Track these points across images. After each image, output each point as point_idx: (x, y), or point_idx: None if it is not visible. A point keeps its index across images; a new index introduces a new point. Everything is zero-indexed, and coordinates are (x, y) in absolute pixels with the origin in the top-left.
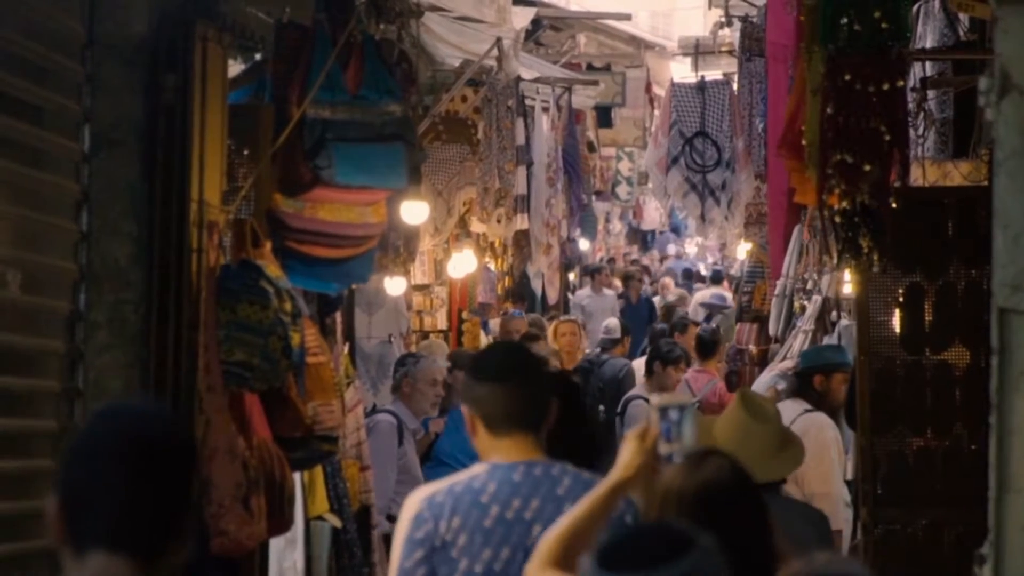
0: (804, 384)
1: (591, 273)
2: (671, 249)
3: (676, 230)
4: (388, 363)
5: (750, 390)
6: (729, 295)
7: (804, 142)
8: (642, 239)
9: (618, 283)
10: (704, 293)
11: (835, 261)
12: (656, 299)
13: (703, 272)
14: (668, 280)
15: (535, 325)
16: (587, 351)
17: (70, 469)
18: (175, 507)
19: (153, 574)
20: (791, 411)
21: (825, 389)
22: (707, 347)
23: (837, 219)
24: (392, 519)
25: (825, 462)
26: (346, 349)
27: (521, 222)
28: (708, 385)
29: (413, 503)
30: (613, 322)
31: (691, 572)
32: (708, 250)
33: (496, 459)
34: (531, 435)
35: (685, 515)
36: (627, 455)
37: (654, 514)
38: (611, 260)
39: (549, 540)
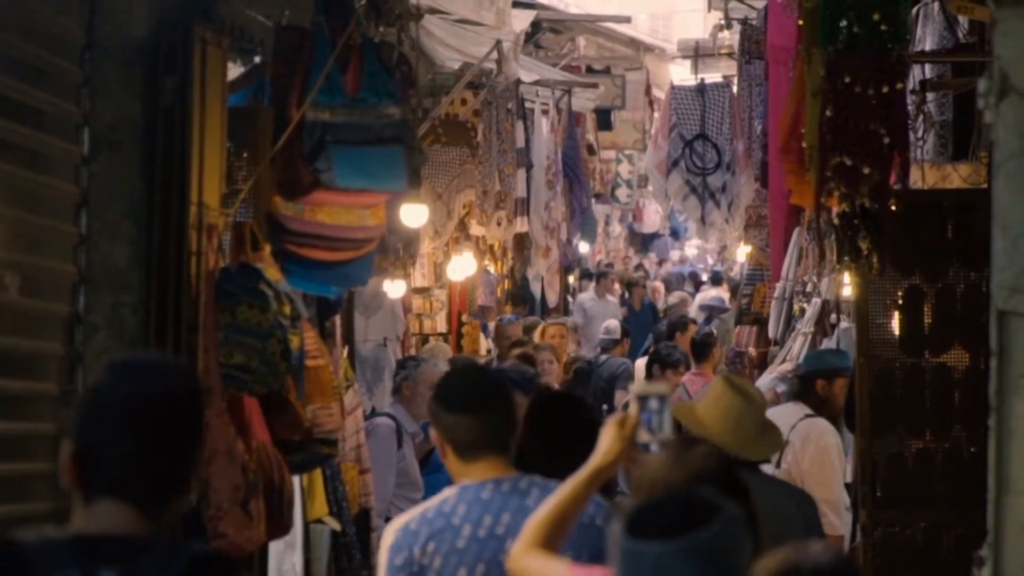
0: (806, 388)
1: (596, 277)
2: (674, 254)
3: (675, 233)
4: (383, 366)
5: (731, 374)
6: (727, 297)
7: (804, 145)
8: (641, 242)
9: (618, 288)
10: (704, 295)
11: (834, 264)
12: (659, 304)
13: (703, 277)
14: (658, 284)
15: (532, 329)
16: (583, 353)
17: (83, 419)
18: (179, 459)
19: (156, 521)
20: (792, 415)
21: (827, 394)
22: (700, 349)
23: (836, 222)
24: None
25: (826, 468)
26: (345, 352)
27: (521, 225)
28: (704, 388)
29: (389, 533)
30: (613, 323)
31: (716, 538)
32: (708, 252)
33: (466, 481)
34: (500, 456)
35: None
36: (606, 442)
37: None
38: (610, 264)
39: (532, 524)
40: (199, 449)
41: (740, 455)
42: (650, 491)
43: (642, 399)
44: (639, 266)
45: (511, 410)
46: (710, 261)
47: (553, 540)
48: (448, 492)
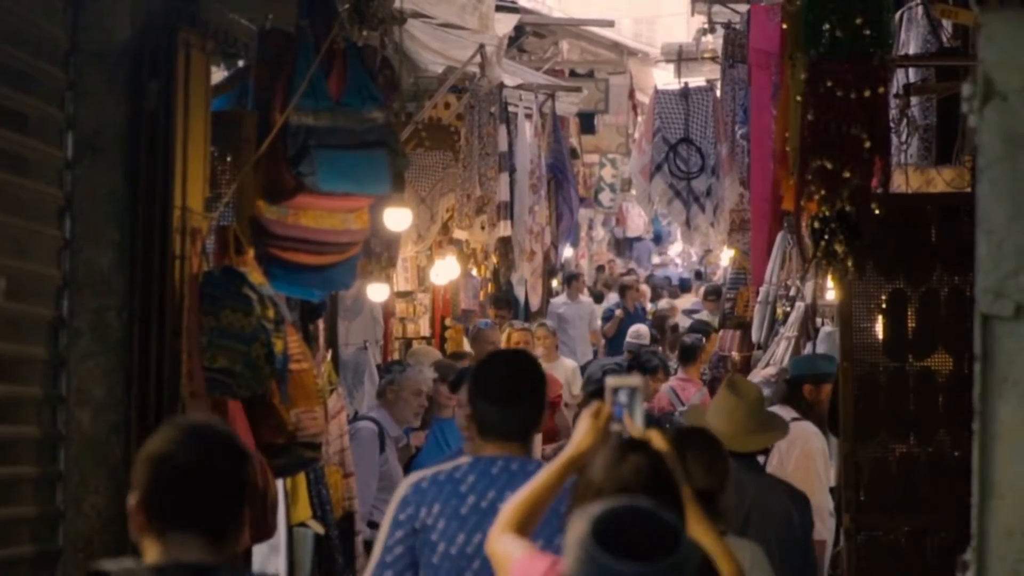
0: (793, 392)
1: (567, 280)
2: (655, 259)
3: (658, 237)
4: (363, 370)
5: (739, 376)
6: (698, 300)
7: (788, 148)
8: (624, 246)
9: (610, 293)
10: (684, 301)
11: (811, 267)
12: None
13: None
14: (644, 288)
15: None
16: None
17: (150, 470)
18: (234, 500)
19: (222, 550)
20: None
21: (814, 399)
22: (688, 354)
23: (816, 225)
24: (374, 526)
25: (811, 472)
26: (329, 356)
27: (504, 229)
28: (697, 395)
29: (403, 486)
30: (643, 328)
31: (684, 563)
32: (680, 257)
33: (481, 454)
34: (518, 441)
35: None
36: (581, 432)
37: (578, 504)
38: (600, 268)
39: (509, 507)
40: (248, 494)
41: (730, 447)
42: (582, 493)
43: (614, 391)
44: (631, 270)
45: (541, 404)
46: (694, 257)
47: (526, 524)
48: (463, 460)
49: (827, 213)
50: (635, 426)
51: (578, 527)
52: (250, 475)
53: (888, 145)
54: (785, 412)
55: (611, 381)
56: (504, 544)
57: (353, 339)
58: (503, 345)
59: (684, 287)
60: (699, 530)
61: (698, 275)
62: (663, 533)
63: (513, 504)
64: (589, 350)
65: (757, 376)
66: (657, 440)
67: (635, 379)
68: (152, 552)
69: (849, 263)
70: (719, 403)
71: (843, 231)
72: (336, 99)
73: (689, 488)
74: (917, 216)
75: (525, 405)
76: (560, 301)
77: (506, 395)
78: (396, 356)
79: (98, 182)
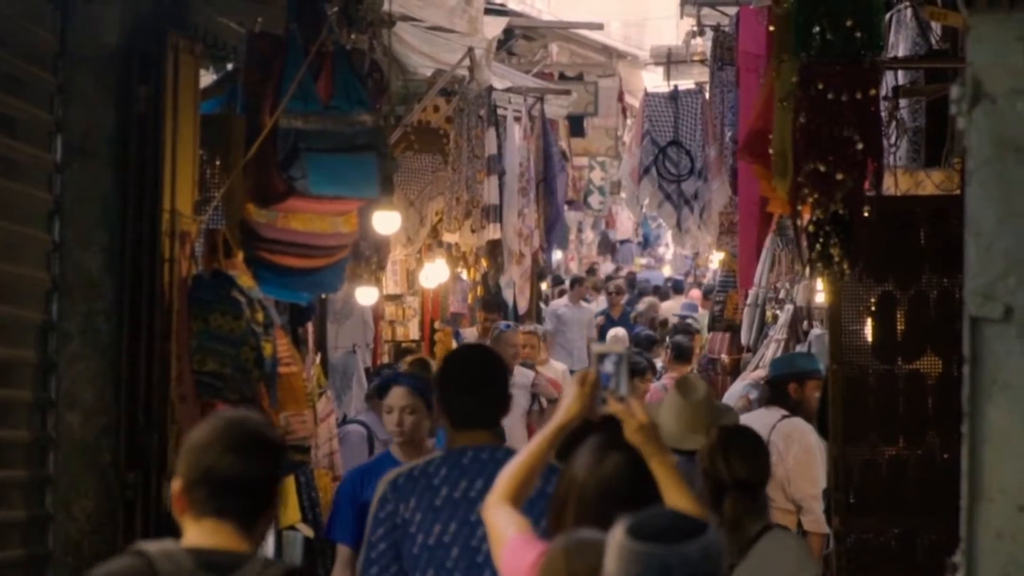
0: (778, 392)
1: (571, 283)
2: (640, 261)
3: (647, 240)
4: (351, 373)
5: (691, 376)
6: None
7: (771, 151)
8: (611, 249)
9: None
10: (675, 303)
11: (806, 270)
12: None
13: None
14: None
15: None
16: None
17: (195, 455)
18: (266, 494)
19: (252, 537)
20: (769, 418)
21: (800, 397)
22: (681, 352)
23: (811, 228)
24: None
25: (813, 466)
26: (318, 359)
27: (493, 232)
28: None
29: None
30: (621, 332)
31: (707, 549)
32: (679, 258)
33: (453, 446)
34: (488, 429)
35: (586, 507)
36: (568, 399)
37: (562, 500)
38: (591, 270)
39: (503, 477)
40: (280, 480)
41: (678, 446)
42: (565, 490)
43: (600, 357)
44: (610, 277)
45: (505, 391)
46: (687, 261)
47: (520, 492)
48: (436, 454)
49: (821, 216)
50: (620, 393)
51: (614, 539)
52: (282, 462)
53: (880, 147)
54: (775, 411)
55: (597, 348)
56: (500, 516)
57: (342, 342)
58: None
59: (677, 289)
60: (683, 502)
61: (661, 292)
62: (690, 522)
63: (507, 473)
64: (586, 354)
65: (747, 379)
66: (638, 410)
67: (620, 347)
68: (190, 534)
69: (844, 266)
70: (668, 402)
71: (838, 234)
72: (325, 102)
73: (731, 479)
74: (906, 219)
75: (491, 391)
76: (561, 303)
77: (472, 383)
78: (385, 359)
79: (87, 186)
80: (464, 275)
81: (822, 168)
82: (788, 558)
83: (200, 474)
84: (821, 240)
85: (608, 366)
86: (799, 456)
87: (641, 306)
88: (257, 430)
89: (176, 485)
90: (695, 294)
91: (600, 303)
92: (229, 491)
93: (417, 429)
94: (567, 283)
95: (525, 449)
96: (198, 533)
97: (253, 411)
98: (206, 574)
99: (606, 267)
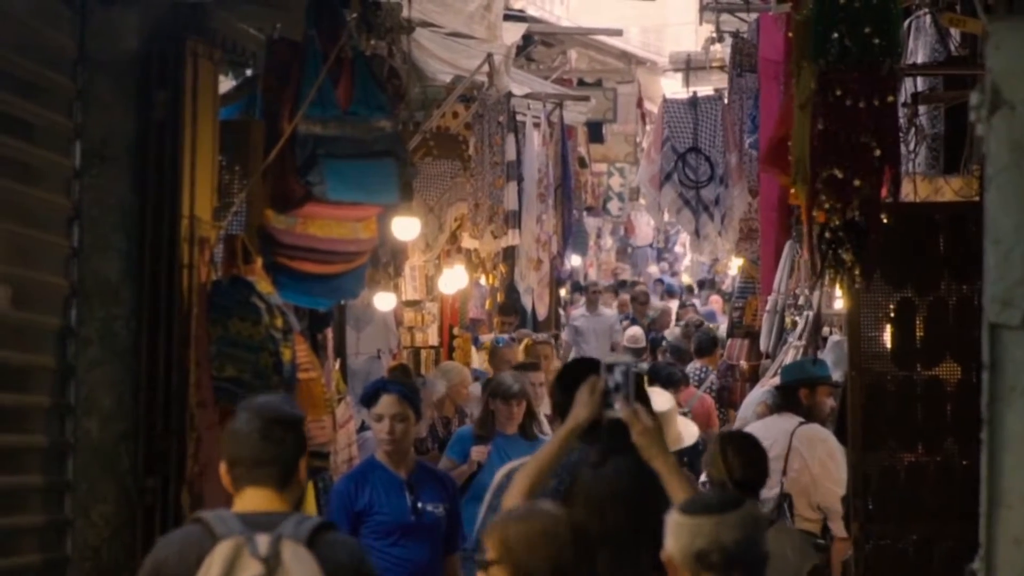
0: (790, 398)
1: (585, 292)
2: (652, 267)
3: (668, 244)
4: (373, 379)
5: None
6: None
7: (791, 157)
8: (631, 255)
9: (617, 301)
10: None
11: (819, 276)
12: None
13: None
14: (626, 298)
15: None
16: None
17: (231, 440)
18: (292, 460)
19: (286, 499)
20: (787, 424)
21: (811, 403)
22: (705, 345)
23: (827, 234)
24: None
25: (841, 469)
26: (337, 365)
27: (512, 238)
28: (692, 399)
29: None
30: (638, 331)
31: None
32: (696, 264)
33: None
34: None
35: (592, 503)
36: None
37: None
38: (622, 283)
39: (522, 474)
40: (304, 449)
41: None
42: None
43: (609, 368)
44: (623, 282)
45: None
46: (704, 267)
47: (537, 488)
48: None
49: (836, 222)
50: (626, 404)
51: (671, 519)
52: (303, 435)
53: (897, 154)
54: (792, 417)
55: (606, 359)
56: None
57: (365, 348)
58: (523, 356)
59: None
60: (686, 495)
61: (701, 284)
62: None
63: (526, 471)
64: None
65: (766, 385)
66: (643, 416)
67: (629, 357)
68: (237, 503)
69: (857, 272)
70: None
71: (850, 240)
72: (344, 108)
73: (730, 479)
74: (925, 225)
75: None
76: (578, 313)
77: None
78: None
79: (106, 191)
80: (483, 281)
81: (839, 174)
82: (790, 551)
83: (235, 456)
84: (834, 246)
85: (617, 375)
86: (824, 461)
87: (652, 312)
88: (277, 412)
89: (223, 466)
90: (715, 300)
91: (613, 308)
92: (259, 465)
93: (407, 436)
94: (584, 291)
95: (540, 451)
96: (242, 501)
97: (275, 397)
98: (253, 530)
99: (625, 274)
